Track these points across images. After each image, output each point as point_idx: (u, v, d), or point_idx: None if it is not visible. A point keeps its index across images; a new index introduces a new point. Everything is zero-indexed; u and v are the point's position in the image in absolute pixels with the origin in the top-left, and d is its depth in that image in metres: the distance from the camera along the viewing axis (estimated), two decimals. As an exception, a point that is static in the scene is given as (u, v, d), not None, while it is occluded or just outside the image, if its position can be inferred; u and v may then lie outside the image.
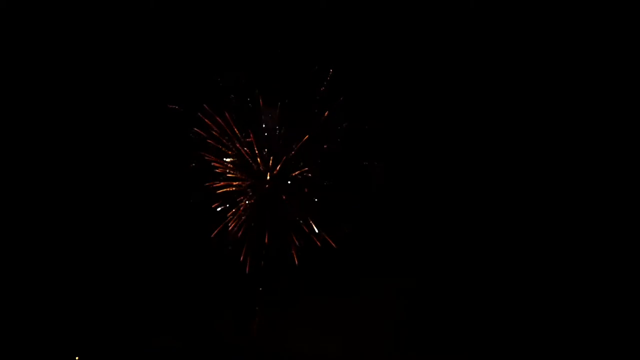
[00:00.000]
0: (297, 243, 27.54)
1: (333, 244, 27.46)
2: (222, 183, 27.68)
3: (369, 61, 28.31)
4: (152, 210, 28.06)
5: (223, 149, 27.84)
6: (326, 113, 27.76)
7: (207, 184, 27.57)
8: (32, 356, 26.52)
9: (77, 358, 26.91)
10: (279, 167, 27.98)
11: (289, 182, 28.07)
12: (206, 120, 27.47)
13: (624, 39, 27.14)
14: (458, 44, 28.60)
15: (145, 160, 28.14)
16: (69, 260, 28.07)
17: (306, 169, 27.93)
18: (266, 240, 27.64)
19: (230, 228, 27.46)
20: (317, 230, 27.56)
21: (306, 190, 28.00)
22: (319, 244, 27.54)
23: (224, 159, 27.91)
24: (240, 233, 27.54)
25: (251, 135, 27.54)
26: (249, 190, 28.01)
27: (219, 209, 27.63)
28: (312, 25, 27.90)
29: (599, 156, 27.71)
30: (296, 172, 28.00)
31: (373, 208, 28.53)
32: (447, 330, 27.58)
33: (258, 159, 27.92)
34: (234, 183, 27.92)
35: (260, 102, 27.52)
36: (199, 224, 27.82)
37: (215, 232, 27.48)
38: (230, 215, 27.60)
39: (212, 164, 27.78)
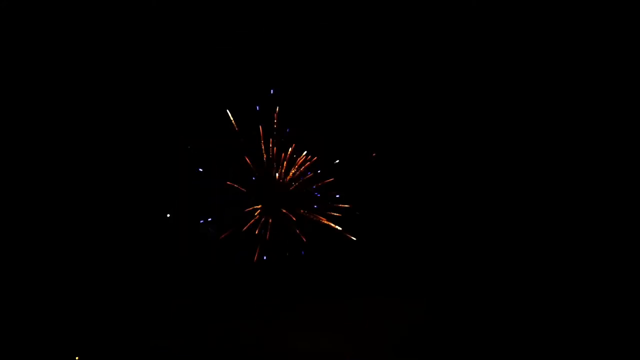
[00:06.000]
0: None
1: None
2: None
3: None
4: (153, 210, 28.10)
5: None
6: None
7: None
8: (32, 356, 26.47)
9: (77, 358, 26.87)
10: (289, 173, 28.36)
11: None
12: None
13: (624, 39, 27.20)
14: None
15: (145, 159, 28.20)
16: (69, 260, 28.07)
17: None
18: (267, 237, 27.92)
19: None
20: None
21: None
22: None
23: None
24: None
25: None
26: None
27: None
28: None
29: (599, 156, 27.74)
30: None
31: (374, 210, 28.70)
32: (447, 330, 27.55)
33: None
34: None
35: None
36: (199, 224, 28.01)
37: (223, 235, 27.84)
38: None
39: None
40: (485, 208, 28.56)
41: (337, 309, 27.95)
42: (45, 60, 28.08)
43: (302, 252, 28.38)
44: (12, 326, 26.70)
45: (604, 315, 26.51)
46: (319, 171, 28.74)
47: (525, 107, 28.38)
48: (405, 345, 27.38)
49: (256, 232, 28.15)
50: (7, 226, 27.60)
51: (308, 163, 28.60)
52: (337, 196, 28.61)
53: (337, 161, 28.71)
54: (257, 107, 28.21)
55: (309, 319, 27.68)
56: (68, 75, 28.16)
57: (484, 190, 28.62)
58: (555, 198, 28.11)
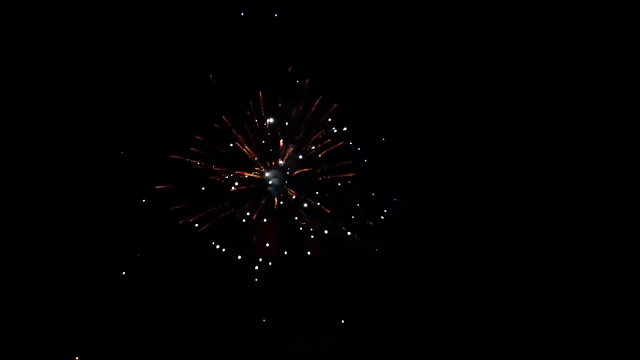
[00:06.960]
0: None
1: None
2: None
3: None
4: (152, 208, 28.11)
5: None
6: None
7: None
8: (33, 356, 26.50)
9: (77, 358, 26.90)
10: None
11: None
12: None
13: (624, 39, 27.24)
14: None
15: (144, 158, 28.21)
16: (69, 260, 28.08)
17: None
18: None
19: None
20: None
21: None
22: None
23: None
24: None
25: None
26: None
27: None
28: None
29: (599, 156, 27.77)
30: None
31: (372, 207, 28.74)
32: (447, 329, 27.59)
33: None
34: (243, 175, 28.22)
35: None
36: (199, 223, 28.03)
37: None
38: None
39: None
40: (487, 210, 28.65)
41: (337, 309, 27.98)
42: (44, 60, 28.14)
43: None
44: (13, 326, 26.77)
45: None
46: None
47: (527, 107, 28.44)
48: (405, 345, 27.45)
49: (254, 241, 28.15)
50: (6, 226, 27.63)
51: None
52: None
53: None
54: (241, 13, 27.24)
55: (309, 319, 27.72)
56: (66, 74, 28.21)
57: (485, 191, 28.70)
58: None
